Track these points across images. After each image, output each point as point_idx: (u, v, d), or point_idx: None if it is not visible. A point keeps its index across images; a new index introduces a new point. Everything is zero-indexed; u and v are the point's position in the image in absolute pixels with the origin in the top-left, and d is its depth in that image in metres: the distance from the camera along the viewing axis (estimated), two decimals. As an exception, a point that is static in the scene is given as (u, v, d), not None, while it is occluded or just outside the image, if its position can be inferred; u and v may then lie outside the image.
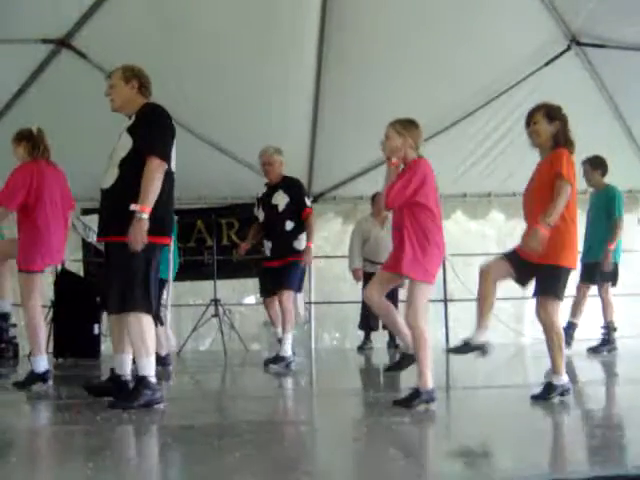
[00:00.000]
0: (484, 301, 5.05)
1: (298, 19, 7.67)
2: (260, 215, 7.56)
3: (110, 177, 4.72)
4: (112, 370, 5.07)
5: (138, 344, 4.65)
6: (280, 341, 7.48)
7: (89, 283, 9.53)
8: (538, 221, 4.73)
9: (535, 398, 4.90)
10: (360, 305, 9.68)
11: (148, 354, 4.65)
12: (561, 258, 4.87)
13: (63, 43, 7.80)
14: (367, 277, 9.59)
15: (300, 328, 10.32)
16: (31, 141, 6.10)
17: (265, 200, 7.51)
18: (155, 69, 6.84)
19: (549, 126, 4.98)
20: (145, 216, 4.51)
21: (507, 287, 10.48)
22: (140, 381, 4.64)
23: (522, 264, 4.96)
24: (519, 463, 3.31)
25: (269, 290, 7.61)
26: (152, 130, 4.73)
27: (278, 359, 7.33)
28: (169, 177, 4.76)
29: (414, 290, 4.71)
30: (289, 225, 7.37)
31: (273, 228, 7.43)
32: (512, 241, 10.33)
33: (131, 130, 4.75)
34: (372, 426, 4.31)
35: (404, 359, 5.32)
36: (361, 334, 9.86)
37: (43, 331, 6.12)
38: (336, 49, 7.97)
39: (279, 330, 7.53)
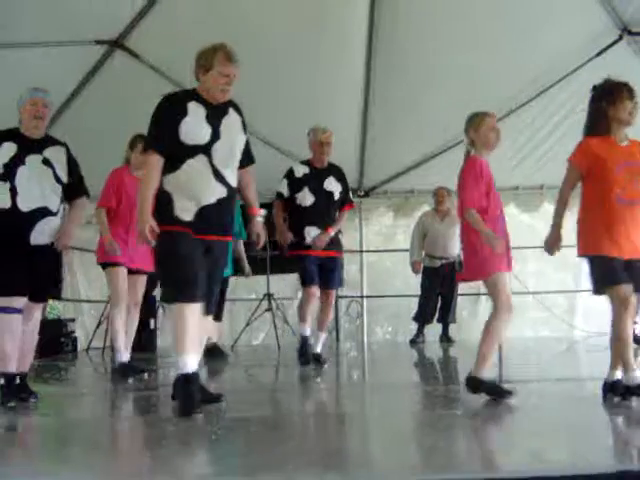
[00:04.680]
0: None
1: (348, 19, 7.72)
2: (308, 199, 6.89)
3: (233, 176, 4.68)
4: None
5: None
6: (305, 339, 7.02)
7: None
8: None
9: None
10: (418, 297, 9.68)
11: None
12: None
13: (116, 44, 7.92)
14: (426, 271, 9.61)
15: (353, 322, 10.39)
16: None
17: (314, 184, 6.94)
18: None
19: None
20: None
21: (560, 280, 10.48)
22: None
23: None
24: (573, 457, 3.31)
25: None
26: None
27: (317, 355, 7.00)
28: None
29: None
30: (335, 215, 7.00)
31: (323, 216, 6.89)
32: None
33: (244, 127, 4.72)
34: (424, 419, 4.35)
35: None
36: (413, 327, 9.86)
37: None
38: (386, 42, 7.98)
39: (307, 328, 7.01)
